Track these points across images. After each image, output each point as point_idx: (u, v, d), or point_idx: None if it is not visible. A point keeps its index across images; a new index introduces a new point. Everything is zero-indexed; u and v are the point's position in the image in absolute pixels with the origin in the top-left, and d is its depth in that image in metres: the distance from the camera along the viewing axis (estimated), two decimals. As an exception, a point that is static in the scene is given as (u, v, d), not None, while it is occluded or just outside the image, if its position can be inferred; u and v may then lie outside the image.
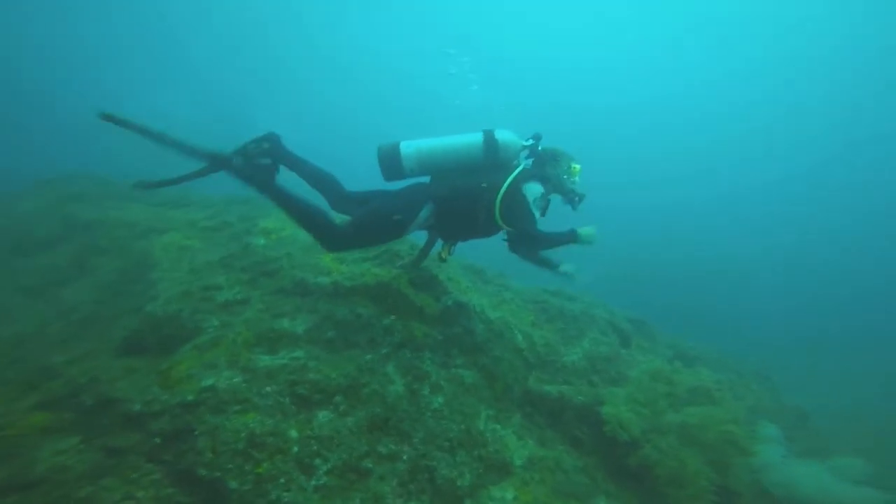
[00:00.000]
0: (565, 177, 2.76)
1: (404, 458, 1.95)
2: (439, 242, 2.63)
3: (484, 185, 2.45)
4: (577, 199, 2.76)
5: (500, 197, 2.42)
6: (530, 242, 2.60)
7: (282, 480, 1.69)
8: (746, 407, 4.53)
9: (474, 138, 2.57)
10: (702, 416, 3.15)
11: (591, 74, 31.74)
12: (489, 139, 2.54)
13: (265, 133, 2.47)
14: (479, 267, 3.72)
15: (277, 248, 2.85)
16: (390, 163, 2.48)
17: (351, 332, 2.22)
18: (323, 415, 1.91)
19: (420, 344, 2.26)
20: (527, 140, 2.75)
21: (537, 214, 2.56)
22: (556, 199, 2.77)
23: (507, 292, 3.49)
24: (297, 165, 2.54)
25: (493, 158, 2.54)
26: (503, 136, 2.59)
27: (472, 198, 2.44)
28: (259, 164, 2.34)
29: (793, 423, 5.61)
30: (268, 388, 1.85)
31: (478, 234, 2.53)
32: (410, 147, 2.50)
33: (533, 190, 2.56)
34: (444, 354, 2.35)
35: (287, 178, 2.38)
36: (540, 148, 2.77)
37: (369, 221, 2.33)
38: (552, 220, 2.70)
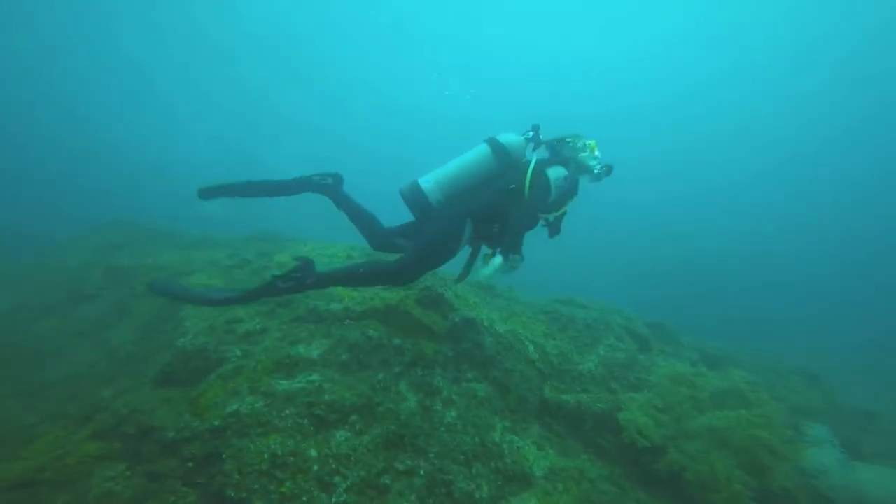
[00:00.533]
0: (584, 154, 2.92)
1: (421, 472, 2.04)
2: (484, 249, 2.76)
3: (512, 186, 2.59)
4: (604, 170, 2.91)
5: (528, 190, 2.56)
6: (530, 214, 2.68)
7: (304, 499, 1.81)
8: (791, 407, 4.39)
9: (482, 150, 2.73)
10: (729, 419, 3.09)
11: (582, 83, 31.76)
12: (495, 145, 2.70)
13: (333, 172, 2.92)
14: (488, 283, 3.82)
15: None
16: (417, 202, 2.61)
17: (363, 354, 2.36)
18: (340, 434, 2.04)
19: (430, 361, 2.37)
20: (527, 133, 2.91)
21: (556, 195, 2.68)
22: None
23: (518, 305, 3.56)
24: (345, 203, 2.86)
25: (506, 161, 2.69)
26: (506, 138, 2.75)
27: (505, 202, 2.57)
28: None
29: (856, 424, 5.33)
30: (287, 411, 2.00)
31: (521, 229, 2.62)
32: (429, 182, 2.65)
33: (556, 172, 2.70)
34: (454, 370, 2.46)
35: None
36: (542, 137, 2.94)
37: (425, 256, 2.49)
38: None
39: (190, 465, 1.83)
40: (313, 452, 1.92)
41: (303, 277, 2.25)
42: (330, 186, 2.90)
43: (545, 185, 2.60)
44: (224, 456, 1.80)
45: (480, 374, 2.57)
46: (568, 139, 2.93)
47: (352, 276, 2.38)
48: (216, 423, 1.90)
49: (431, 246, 2.50)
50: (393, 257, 2.54)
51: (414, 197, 2.62)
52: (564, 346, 3.48)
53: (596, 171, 2.89)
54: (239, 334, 2.46)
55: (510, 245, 2.46)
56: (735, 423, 3.09)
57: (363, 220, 2.83)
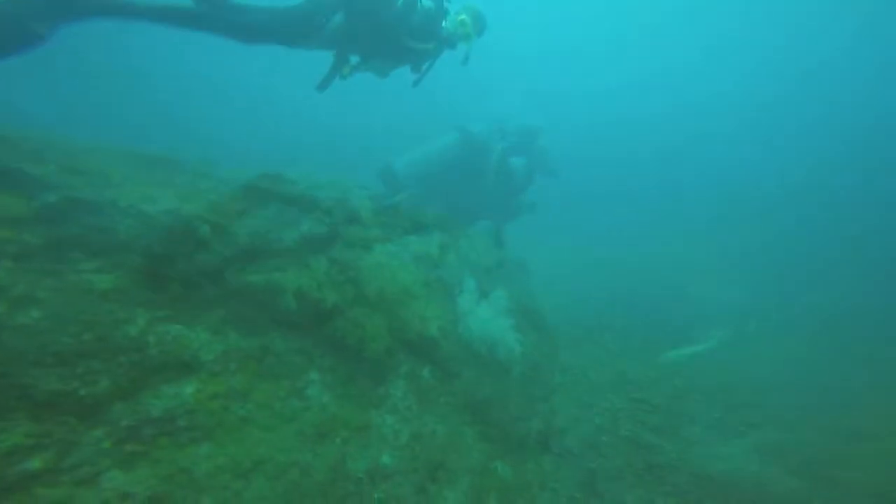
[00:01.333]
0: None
1: None
2: None
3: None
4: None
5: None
6: None
7: None
8: (471, 263, 5.50)
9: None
10: (386, 283, 3.55)
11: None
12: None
13: None
14: (166, 156, 3.06)
15: None
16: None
17: None
18: None
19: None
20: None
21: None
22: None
23: (208, 181, 3.01)
24: None
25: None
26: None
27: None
28: None
29: (514, 274, 7.19)
30: None
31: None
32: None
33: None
34: (49, 261, 1.86)
35: None
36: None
37: None
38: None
39: None
40: None
41: None
42: None
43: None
44: None
45: (107, 264, 2.05)
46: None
47: None
48: None
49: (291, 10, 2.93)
50: None
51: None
52: (261, 225, 3.21)
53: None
54: None
55: None
56: (394, 284, 3.56)
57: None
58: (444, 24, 3.46)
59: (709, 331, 7.27)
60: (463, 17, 3.46)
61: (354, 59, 3.26)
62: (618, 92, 30.35)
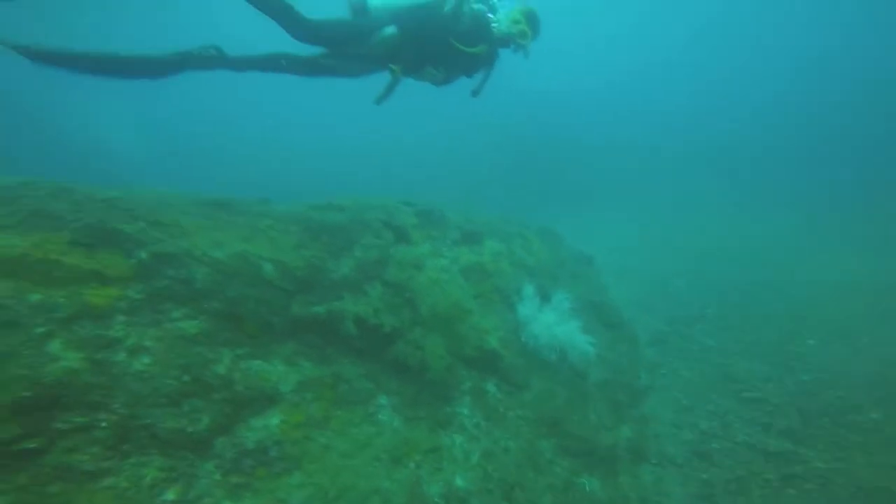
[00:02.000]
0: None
1: (103, 425, 1.96)
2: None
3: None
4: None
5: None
6: None
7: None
8: (527, 269, 5.67)
9: None
10: (438, 300, 3.82)
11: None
12: None
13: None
14: (227, 199, 3.57)
15: None
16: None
17: None
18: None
19: (105, 311, 2.19)
20: None
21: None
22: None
23: (265, 220, 3.47)
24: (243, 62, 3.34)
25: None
26: None
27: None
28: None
29: (579, 268, 7.22)
30: None
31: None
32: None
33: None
34: (151, 313, 2.33)
35: None
36: None
37: (335, 22, 3.61)
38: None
39: None
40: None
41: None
42: (215, 57, 3.14)
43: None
44: None
45: (192, 311, 2.52)
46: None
47: None
48: None
49: (347, 22, 3.49)
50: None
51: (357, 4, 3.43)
52: (316, 256, 3.63)
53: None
54: None
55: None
56: (442, 303, 3.83)
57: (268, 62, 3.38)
58: (496, 25, 3.66)
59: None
60: (517, 16, 3.67)
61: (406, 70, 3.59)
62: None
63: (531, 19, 3.75)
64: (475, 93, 3.94)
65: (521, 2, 3.81)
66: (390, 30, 3.47)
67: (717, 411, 5.54)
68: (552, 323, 4.88)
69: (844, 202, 12.08)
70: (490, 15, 3.67)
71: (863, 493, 3.90)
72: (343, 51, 3.57)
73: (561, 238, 6.90)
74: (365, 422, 3.39)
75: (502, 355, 4.56)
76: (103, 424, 1.92)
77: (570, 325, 4.96)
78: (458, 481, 3.40)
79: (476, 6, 3.64)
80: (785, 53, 28.39)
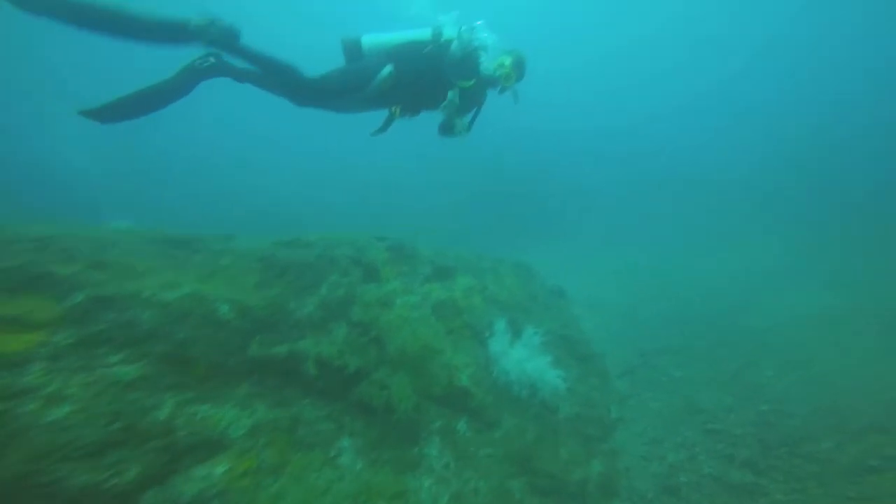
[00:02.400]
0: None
1: None
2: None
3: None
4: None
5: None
6: None
7: None
8: (500, 304, 5.48)
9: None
10: (406, 338, 3.61)
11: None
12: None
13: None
14: (186, 237, 3.36)
15: None
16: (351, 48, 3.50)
17: None
18: None
19: (19, 359, 1.94)
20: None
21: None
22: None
23: (226, 258, 3.27)
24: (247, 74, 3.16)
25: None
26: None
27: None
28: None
29: (552, 302, 7.06)
30: None
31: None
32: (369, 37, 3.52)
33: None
34: (80, 358, 2.08)
35: None
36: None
37: (335, 77, 3.43)
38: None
39: None
40: None
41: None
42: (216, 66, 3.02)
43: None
44: None
45: (133, 355, 2.27)
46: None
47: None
48: None
49: (345, 71, 3.40)
50: None
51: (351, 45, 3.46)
52: (279, 295, 3.41)
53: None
54: None
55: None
56: (411, 341, 3.61)
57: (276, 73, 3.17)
58: (483, 65, 3.58)
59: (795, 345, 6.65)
60: (502, 58, 3.62)
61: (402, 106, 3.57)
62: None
63: (517, 63, 3.69)
64: (468, 129, 3.85)
65: (511, 46, 3.78)
66: (387, 70, 3.43)
67: (685, 443, 5.32)
68: (523, 358, 4.67)
69: (820, 237, 12.17)
70: (480, 50, 3.61)
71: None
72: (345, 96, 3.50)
73: (534, 272, 6.76)
74: (325, 466, 3.09)
75: (473, 393, 4.31)
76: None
77: (540, 360, 4.75)
78: (424, 528, 3.10)
79: (467, 40, 3.57)
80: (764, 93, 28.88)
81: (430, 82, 3.48)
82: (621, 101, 30.77)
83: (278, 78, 3.15)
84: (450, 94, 3.45)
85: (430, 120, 3.90)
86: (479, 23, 3.61)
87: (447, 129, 3.67)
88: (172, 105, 3.04)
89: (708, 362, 6.64)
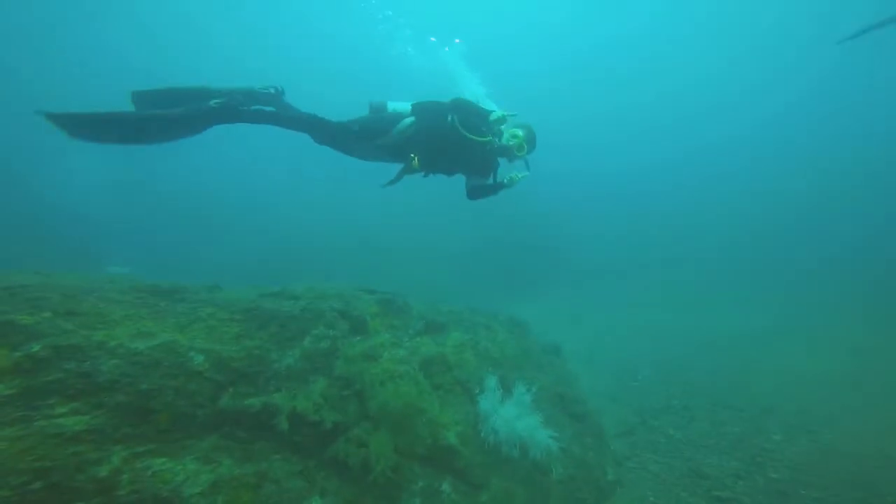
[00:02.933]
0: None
1: None
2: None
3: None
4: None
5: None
6: None
7: None
8: (492, 360, 5.10)
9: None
10: (390, 394, 3.30)
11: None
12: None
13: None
14: (171, 285, 3.24)
15: None
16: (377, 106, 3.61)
17: None
18: None
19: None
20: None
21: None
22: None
23: (208, 308, 3.11)
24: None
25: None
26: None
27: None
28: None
29: (545, 359, 6.59)
30: None
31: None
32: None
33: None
34: (21, 408, 1.88)
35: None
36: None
37: (356, 125, 3.56)
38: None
39: None
40: None
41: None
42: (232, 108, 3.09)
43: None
44: None
45: (85, 406, 2.06)
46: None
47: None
48: None
49: (368, 118, 3.51)
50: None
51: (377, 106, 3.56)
52: (259, 347, 3.20)
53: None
54: None
55: None
56: (393, 399, 3.30)
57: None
58: (497, 138, 3.65)
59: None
60: (514, 130, 3.65)
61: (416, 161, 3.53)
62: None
63: (528, 135, 3.71)
64: (495, 190, 3.89)
65: (522, 119, 3.82)
66: (409, 120, 3.49)
67: (689, 512, 4.65)
68: (513, 417, 4.23)
69: (825, 296, 11.45)
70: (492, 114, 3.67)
71: None
72: (365, 140, 3.56)
73: (528, 328, 6.40)
74: (292, 529, 2.72)
75: (460, 452, 3.89)
76: None
77: (530, 419, 4.31)
78: None
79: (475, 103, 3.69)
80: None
81: (449, 138, 3.48)
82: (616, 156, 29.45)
83: (301, 123, 3.27)
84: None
85: (437, 181, 3.90)
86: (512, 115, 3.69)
87: (478, 190, 3.78)
88: (178, 142, 2.97)
89: (710, 424, 5.99)
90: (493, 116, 3.61)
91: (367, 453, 3.13)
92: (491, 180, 3.88)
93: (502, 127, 3.68)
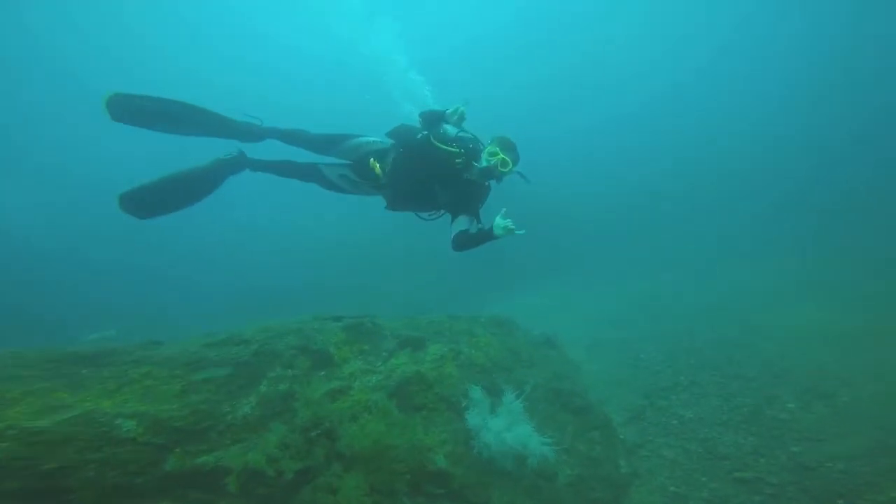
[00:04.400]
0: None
1: None
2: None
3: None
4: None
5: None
6: None
7: None
8: (478, 368, 4.73)
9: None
10: (362, 429, 2.96)
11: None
12: None
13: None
14: (96, 351, 2.90)
15: None
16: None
17: None
18: None
19: None
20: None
21: None
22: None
23: (143, 367, 2.80)
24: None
25: None
26: None
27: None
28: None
29: (541, 352, 6.17)
30: None
31: None
32: None
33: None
34: None
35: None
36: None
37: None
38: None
39: None
40: None
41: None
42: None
43: None
44: None
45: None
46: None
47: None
48: None
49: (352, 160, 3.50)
50: None
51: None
52: (207, 399, 2.88)
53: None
54: None
55: None
56: (373, 427, 2.96)
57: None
58: (473, 160, 3.27)
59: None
60: (491, 148, 3.22)
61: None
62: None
63: (506, 147, 3.26)
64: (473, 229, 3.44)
65: (493, 136, 3.40)
66: (387, 146, 3.46)
67: (713, 498, 4.21)
68: (502, 429, 3.86)
69: (833, 250, 10.51)
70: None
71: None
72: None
73: (514, 325, 5.98)
74: None
75: (452, 473, 3.51)
76: None
77: (522, 427, 3.92)
78: None
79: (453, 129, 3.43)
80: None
81: (426, 157, 3.26)
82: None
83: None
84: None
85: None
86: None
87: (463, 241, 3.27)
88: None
89: (721, 398, 5.51)
90: (448, 111, 3.33)
91: (336, 500, 2.78)
92: (477, 222, 3.40)
93: (480, 148, 3.31)
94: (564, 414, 4.89)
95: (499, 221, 3.00)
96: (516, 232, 3.02)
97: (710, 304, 8.92)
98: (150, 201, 3.01)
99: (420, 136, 3.28)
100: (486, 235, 3.13)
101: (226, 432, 2.83)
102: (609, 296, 10.45)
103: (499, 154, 3.15)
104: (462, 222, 3.29)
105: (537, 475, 4.02)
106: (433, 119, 3.32)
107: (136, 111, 3.02)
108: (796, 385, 5.20)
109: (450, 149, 3.17)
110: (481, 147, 3.29)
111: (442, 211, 3.47)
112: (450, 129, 3.31)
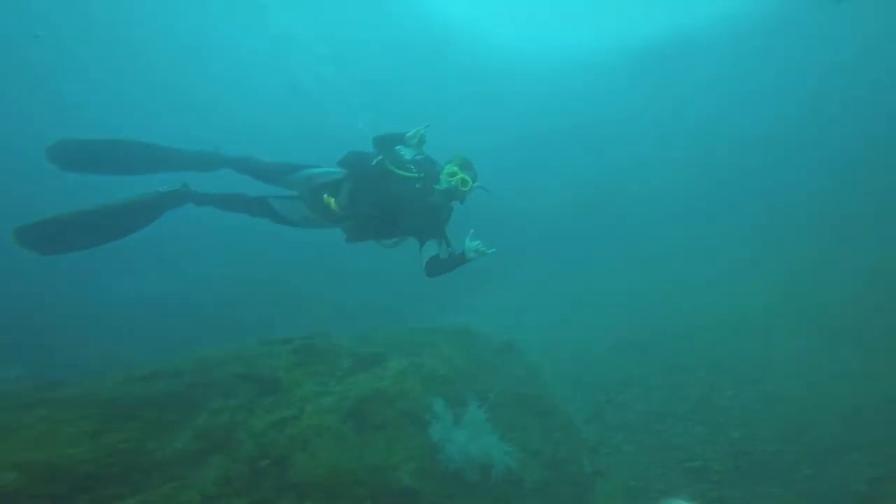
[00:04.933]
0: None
1: None
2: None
3: None
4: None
5: None
6: None
7: None
8: (442, 379, 4.54)
9: None
10: (315, 455, 2.69)
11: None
12: None
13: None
14: None
15: None
16: None
17: None
18: None
19: None
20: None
21: None
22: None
23: (38, 411, 2.34)
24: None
25: None
26: None
27: None
28: None
29: (497, 363, 6.10)
30: None
31: None
32: None
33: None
34: None
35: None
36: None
37: None
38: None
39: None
40: None
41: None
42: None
43: None
44: None
45: None
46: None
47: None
48: None
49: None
50: None
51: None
52: (128, 438, 2.47)
53: None
54: None
55: None
56: (328, 452, 2.70)
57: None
58: (432, 182, 3.17)
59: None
60: (450, 169, 3.14)
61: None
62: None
63: (464, 165, 3.18)
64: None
65: (450, 156, 3.31)
66: (341, 175, 3.34)
67: (669, 489, 4.30)
68: (466, 441, 3.70)
69: (752, 237, 11.05)
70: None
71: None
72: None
73: (475, 334, 5.89)
74: None
75: (419, 490, 3.28)
76: None
77: (485, 438, 3.79)
78: None
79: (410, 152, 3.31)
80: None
81: (381, 184, 3.12)
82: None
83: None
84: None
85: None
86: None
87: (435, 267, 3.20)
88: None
89: (669, 389, 5.70)
90: (409, 134, 3.12)
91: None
92: (446, 244, 3.34)
93: (438, 170, 3.23)
94: (528, 417, 4.81)
95: (469, 244, 2.96)
96: (487, 252, 2.97)
97: (661, 297, 9.10)
98: (58, 235, 2.70)
99: (374, 162, 3.13)
100: (457, 260, 3.09)
101: (153, 472, 2.42)
102: (568, 293, 10.62)
103: (458, 173, 3.09)
104: (431, 247, 3.21)
105: (505, 482, 3.89)
106: (387, 142, 3.13)
107: (79, 157, 2.83)
108: (732, 374, 5.53)
109: (407, 173, 3.07)
110: (439, 168, 3.21)
111: (404, 237, 3.34)
112: (404, 153, 3.21)
